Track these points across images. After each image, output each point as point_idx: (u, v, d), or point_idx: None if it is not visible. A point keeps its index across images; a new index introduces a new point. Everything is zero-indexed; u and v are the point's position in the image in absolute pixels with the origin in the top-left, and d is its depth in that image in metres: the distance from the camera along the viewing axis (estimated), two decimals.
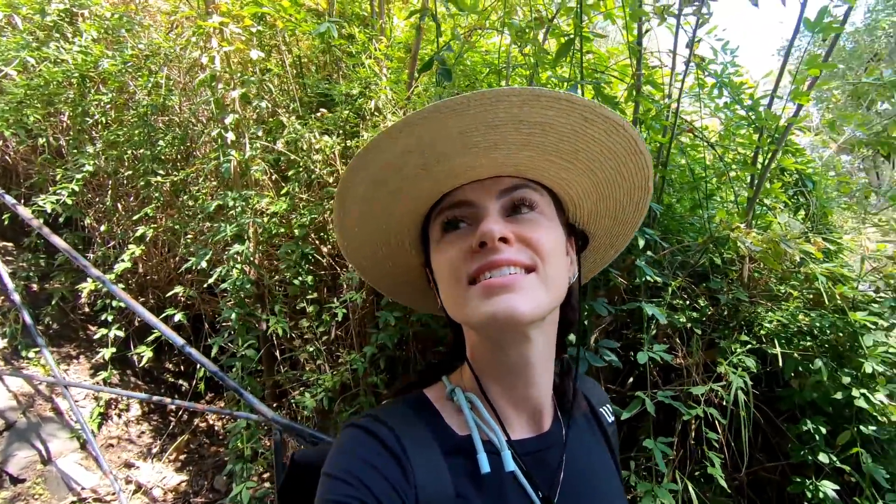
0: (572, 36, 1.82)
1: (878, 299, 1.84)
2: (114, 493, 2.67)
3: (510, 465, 0.56)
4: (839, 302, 1.83)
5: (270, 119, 2.93)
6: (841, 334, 1.76)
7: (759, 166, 2.02)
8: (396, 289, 0.80)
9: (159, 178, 3.06)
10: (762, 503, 2.06)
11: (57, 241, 2.74)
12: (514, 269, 0.56)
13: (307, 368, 2.55)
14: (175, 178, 3.02)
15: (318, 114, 2.76)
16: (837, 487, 1.68)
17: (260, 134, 2.68)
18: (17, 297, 3.04)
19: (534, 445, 0.63)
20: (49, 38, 3.16)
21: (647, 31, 2.10)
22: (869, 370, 1.61)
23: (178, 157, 3.55)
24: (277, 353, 3.01)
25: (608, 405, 0.77)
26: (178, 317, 2.78)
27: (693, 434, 1.93)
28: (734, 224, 1.80)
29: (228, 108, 2.67)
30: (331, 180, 2.82)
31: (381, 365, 2.50)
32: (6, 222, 3.20)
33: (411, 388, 0.71)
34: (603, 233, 0.70)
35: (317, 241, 2.87)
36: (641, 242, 1.73)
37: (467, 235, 0.60)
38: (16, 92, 2.96)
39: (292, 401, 2.70)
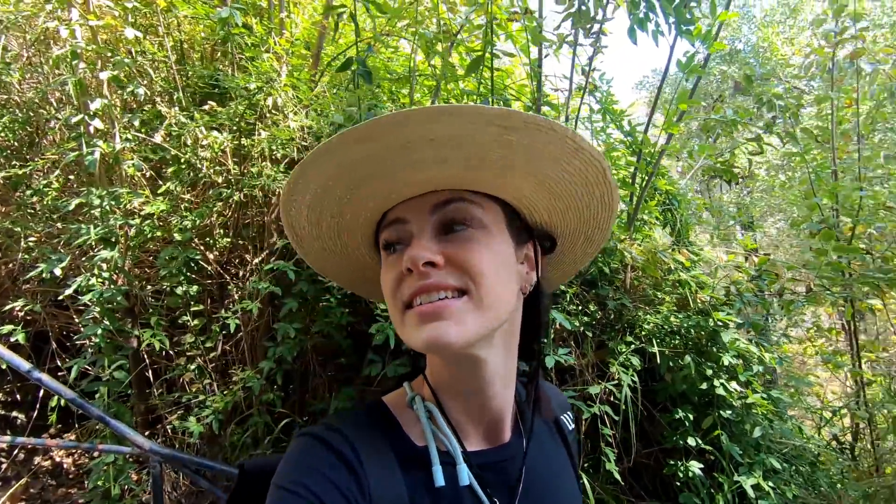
0: (482, 53, 1.89)
1: (728, 301, 2.17)
2: None
3: (464, 479, 0.55)
4: (700, 305, 2.13)
5: (146, 108, 2.59)
6: (703, 332, 2.05)
7: (638, 186, 2.28)
8: (355, 285, 0.76)
9: None
10: (640, 487, 2.31)
11: None
12: (444, 293, 0.54)
13: (193, 389, 2.29)
14: (17, 171, 2.53)
15: (206, 106, 2.51)
16: (702, 466, 1.93)
17: (136, 123, 2.36)
18: None
19: (493, 457, 0.61)
20: None
21: (546, 55, 2.26)
22: (726, 362, 1.88)
23: (18, 144, 2.98)
24: (151, 374, 2.65)
25: (569, 412, 0.76)
26: (19, 336, 2.32)
27: (584, 429, 2.10)
28: (620, 237, 2.00)
29: (94, 91, 2.31)
30: (219, 180, 2.58)
31: (278, 381, 2.33)
32: None
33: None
34: (572, 230, 0.67)
35: (202, 247, 2.60)
36: None
37: (401, 257, 0.57)
38: None
39: (171, 426, 2.39)
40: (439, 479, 0.54)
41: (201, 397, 2.21)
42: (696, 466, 1.92)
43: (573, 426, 0.75)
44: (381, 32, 2.38)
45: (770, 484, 1.84)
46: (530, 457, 0.64)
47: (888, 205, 2.71)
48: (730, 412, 1.92)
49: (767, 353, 2.02)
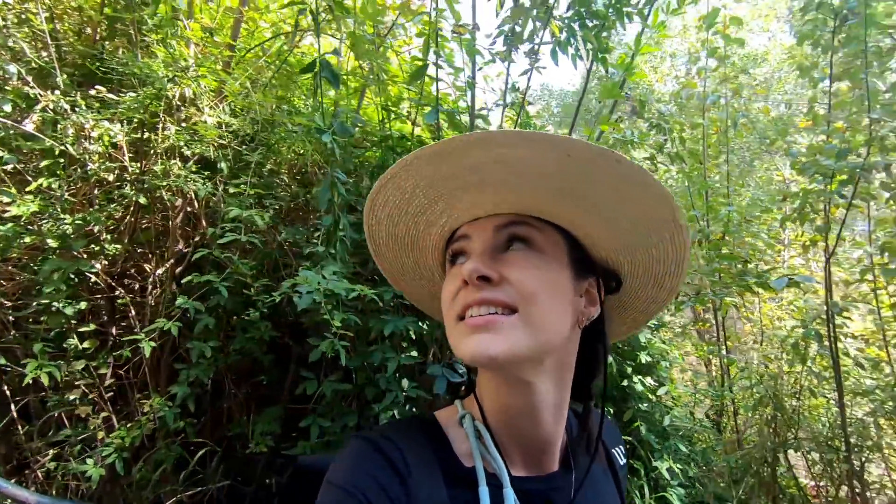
0: (425, 63, 1.88)
1: None
2: None
3: (511, 501, 0.55)
4: None
5: (8, 88, 2.13)
6: None
7: None
8: (423, 301, 0.81)
9: None
10: None
11: None
12: (495, 308, 0.56)
13: (90, 425, 1.94)
14: None
15: (93, 91, 2.14)
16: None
17: (7, 109, 1.94)
18: None
19: (537, 485, 0.62)
20: None
21: (480, 68, 2.31)
22: (643, 360, 2.09)
23: None
24: (14, 410, 2.18)
25: (621, 446, 0.78)
26: None
27: None
28: None
29: None
30: (110, 178, 2.22)
31: (190, 406, 2.07)
32: None
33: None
34: (641, 273, 0.66)
35: (85, 255, 2.21)
36: None
37: (461, 270, 0.60)
38: None
39: (49, 470, 2.00)
40: (485, 500, 0.54)
41: (100, 434, 1.89)
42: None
43: (625, 461, 0.77)
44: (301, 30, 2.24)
45: (678, 466, 2.09)
46: (577, 488, 0.64)
47: (747, 218, 3.24)
48: (646, 405, 2.14)
49: (675, 350, 2.29)
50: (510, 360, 0.55)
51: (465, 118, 2.15)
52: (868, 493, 2.64)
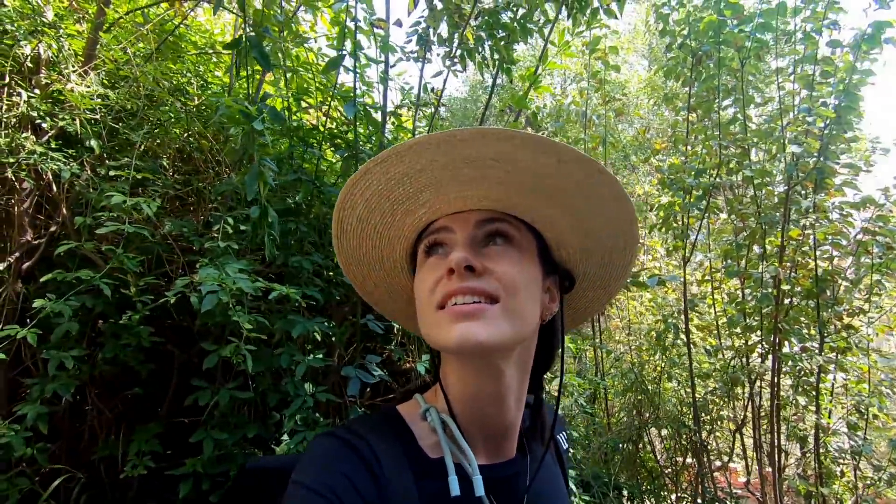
0: (343, 53, 1.81)
1: None
2: None
3: (480, 490, 0.57)
4: None
5: None
6: None
7: None
8: (374, 295, 0.78)
9: None
10: None
11: None
12: (478, 297, 0.58)
13: None
14: None
15: None
16: None
17: None
18: None
19: (499, 472, 0.64)
20: None
21: (393, 65, 2.29)
22: None
23: None
24: None
25: (565, 432, 0.82)
26: None
27: None
28: None
29: None
30: None
31: (42, 429, 1.72)
32: None
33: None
34: (592, 275, 0.73)
35: None
36: None
37: (443, 260, 0.62)
38: None
39: None
40: (455, 489, 0.55)
41: None
42: None
43: (567, 445, 0.81)
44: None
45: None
46: (533, 472, 0.67)
47: None
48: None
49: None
50: (495, 346, 0.57)
51: (378, 115, 2.11)
52: (708, 459, 3.14)
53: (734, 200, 2.66)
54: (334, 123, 2.18)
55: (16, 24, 1.66)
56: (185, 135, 2.06)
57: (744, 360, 2.87)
